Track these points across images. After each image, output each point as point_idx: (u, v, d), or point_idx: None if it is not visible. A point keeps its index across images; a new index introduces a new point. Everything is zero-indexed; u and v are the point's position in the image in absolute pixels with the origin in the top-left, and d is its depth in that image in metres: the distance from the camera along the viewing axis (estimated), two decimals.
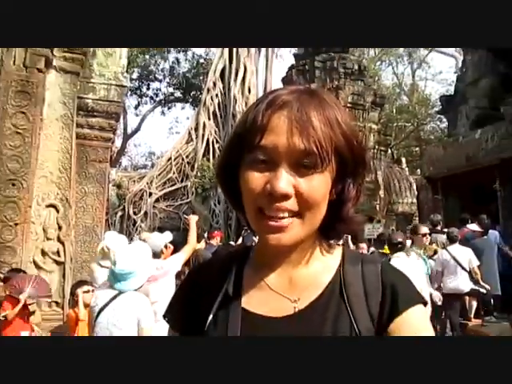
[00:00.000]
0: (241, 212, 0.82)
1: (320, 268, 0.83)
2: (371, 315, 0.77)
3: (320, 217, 0.77)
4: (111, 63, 5.81)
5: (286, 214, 0.73)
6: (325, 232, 0.83)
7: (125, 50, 6.09)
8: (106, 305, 2.94)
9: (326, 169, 0.74)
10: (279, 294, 0.81)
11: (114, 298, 2.96)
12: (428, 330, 0.78)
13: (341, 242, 0.91)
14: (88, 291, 4.30)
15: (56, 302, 5.14)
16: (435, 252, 6.93)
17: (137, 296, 3.04)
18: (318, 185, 0.74)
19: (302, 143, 0.71)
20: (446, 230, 7.48)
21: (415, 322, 0.77)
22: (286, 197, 0.72)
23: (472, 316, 7.14)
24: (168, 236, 4.94)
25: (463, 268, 6.58)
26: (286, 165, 0.72)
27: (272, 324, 0.79)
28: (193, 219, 4.92)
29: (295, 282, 0.82)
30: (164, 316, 0.91)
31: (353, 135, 0.77)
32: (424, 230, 5.71)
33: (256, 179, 0.73)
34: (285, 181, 0.71)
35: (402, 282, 0.81)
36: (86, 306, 4.21)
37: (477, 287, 6.82)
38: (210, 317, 0.82)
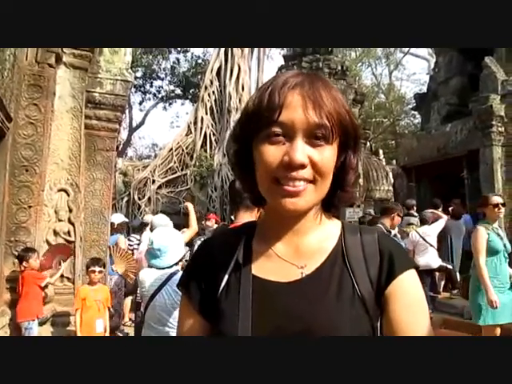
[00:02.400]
0: (250, 188, 0.81)
1: (323, 236, 0.82)
2: (370, 278, 0.78)
3: (328, 185, 0.77)
4: (117, 60, 5.70)
5: (302, 183, 0.73)
6: (326, 201, 0.81)
7: (129, 49, 5.99)
8: (161, 287, 2.74)
9: (334, 141, 0.75)
10: (287, 261, 0.80)
11: (168, 279, 2.76)
12: (420, 292, 0.79)
13: None
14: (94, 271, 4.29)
15: (67, 278, 5.09)
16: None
17: None
18: (329, 155, 0.75)
19: (316, 117, 0.72)
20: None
21: (410, 284, 0.78)
22: (302, 166, 0.72)
23: (441, 290, 7.19)
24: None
25: (432, 246, 6.60)
26: (302, 137, 0.73)
27: (281, 288, 0.78)
28: (190, 206, 4.93)
29: (301, 249, 0.81)
30: (178, 286, 0.89)
31: (352, 113, 0.78)
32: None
33: (274, 151, 0.73)
34: (301, 151, 0.72)
35: (398, 249, 0.82)
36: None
37: (444, 263, 6.86)
38: (223, 284, 0.80)
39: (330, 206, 0.83)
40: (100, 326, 4.14)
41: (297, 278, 0.78)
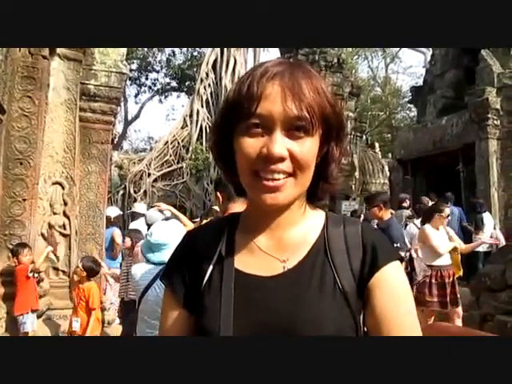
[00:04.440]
0: (232, 179, 0.80)
1: (307, 228, 0.81)
2: (352, 271, 0.76)
3: (309, 178, 0.75)
4: (112, 52, 5.64)
5: (281, 176, 0.71)
6: (311, 193, 0.80)
7: None
8: (153, 280, 2.68)
9: (316, 133, 0.73)
10: (269, 255, 0.79)
11: (160, 273, 2.66)
12: (404, 284, 0.78)
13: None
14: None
15: (63, 271, 5.07)
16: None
17: None
18: (310, 147, 0.73)
19: (295, 109, 0.70)
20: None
21: (393, 276, 0.76)
22: (281, 159, 0.71)
23: None
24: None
25: None
26: (281, 129, 0.71)
27: (262, 283, 0.76)
28: (164, 206, 4.72)
29: (284, 242, 0.79)
30: (161, 279, 0.88)
31: (335, 103, 0.76)
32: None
33: (252, 144, 0.72)
34: (280, 144, 0.70)
35: (381, 241, 0.81)
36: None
37: None
38: (206, 277, 0.79)
39: (314, 197, 0.82)
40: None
41: (279, 272, 0.77)
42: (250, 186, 0.75)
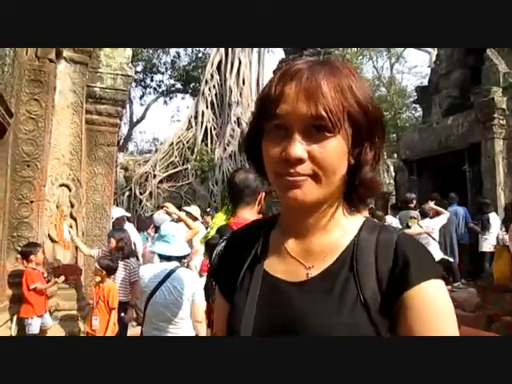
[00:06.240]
0: (263, 176, 0.79)
1: (339, 234, 0.77)
2: (380, 283, 0.71)
3: (336, 180, 0.72)
4: (117, 55, 5.69)
5: (301, 178, 0.70)
6: (348, 197, 0.78)
7: None
8: (161, 283, 2.73)
9: (340, 133, 0.70)
10: (296, 260, 0.77)
11: (168, 276, 2.75)
12: (444, 304, 0.69)
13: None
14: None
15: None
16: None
17: (189, 273, 2.94)
18: (332, 148, 0.70)
19: (311, 108, 0.69)
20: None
21: (428, 296, 0.68)
22: (300, 161, 0.69)
23: None
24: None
25: (434, 239, 6.61)
26: (299, 131, 0.70)
27: (285, 287, 0.76)
28: (172, 208, 4.66)
29: (311, 248, 0.77)
30: (212, 278, 0.90)
31: (367, 101, 0.73)
32: None
33: (273, 146, 0.71)
34: (297, 146, 0.69)
35: (418, 254, 0.72)
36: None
37: (446, 257, 6.87)
38: (240, 277, 0.81)
39: (351, 201, 0.79)
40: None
41: (302, 279, 0.75)
42: (275, 185, 0.75)
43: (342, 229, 0.78)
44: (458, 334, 0.68)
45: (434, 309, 0.68)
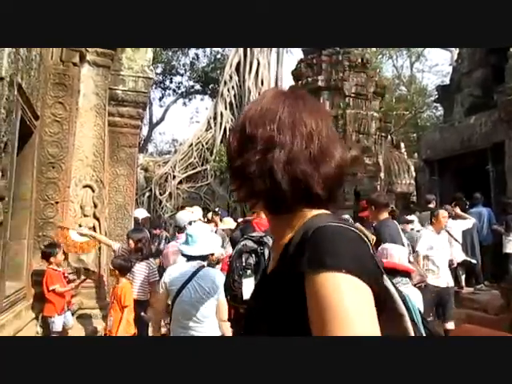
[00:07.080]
0: None
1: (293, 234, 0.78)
2: (292, 265, 0.69)
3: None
4: (138, 57, 5.78)
5: None
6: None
7: None
8: (187, 282, 2.78)
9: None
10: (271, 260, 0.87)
11: (194, 275, 2.80)
12: (327, 302, 0.61)
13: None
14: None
15: (93, 271, 5.20)
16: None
17: (215, 271, 3.00)
18: None
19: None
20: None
21: (312, 289, 0.63)
22: None
23: (464, 285, 7.08)
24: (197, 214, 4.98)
25: (456, 240, 6.51)
26: None
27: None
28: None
29: (277, 250, 0.82)
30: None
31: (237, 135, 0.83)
32: None
33: None
34: None
35: (318, 245, 0.65)
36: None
37: (468, 258, 6.75)
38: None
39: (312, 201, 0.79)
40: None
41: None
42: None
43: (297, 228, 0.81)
44: (347, 335, 0.58)
45: (315, 302, 0.62)
